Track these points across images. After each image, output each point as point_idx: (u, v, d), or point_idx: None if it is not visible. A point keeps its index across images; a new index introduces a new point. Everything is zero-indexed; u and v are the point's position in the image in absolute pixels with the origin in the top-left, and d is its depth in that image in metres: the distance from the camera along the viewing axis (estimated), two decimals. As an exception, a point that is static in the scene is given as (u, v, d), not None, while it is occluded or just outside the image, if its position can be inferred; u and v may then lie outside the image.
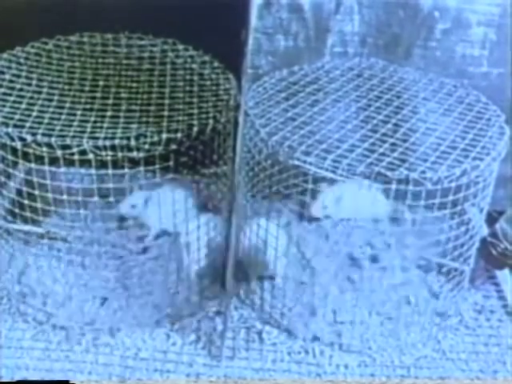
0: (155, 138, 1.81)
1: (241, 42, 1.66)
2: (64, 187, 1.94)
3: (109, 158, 1.80)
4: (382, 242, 2.39)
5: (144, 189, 2.19)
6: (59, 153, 1.79)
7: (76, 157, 1.79)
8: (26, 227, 2.09)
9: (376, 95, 2.13)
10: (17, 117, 1.87)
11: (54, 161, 1.83)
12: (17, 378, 1.92)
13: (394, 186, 1.82)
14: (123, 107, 1.95)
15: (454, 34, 2.39)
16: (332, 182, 2.17)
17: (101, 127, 1.85)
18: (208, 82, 2.08)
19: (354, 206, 2.22)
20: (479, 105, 2.12)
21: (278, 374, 1.98)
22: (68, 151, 1.78)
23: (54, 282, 2.15)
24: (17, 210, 1.98)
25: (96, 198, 1.95)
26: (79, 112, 1.92)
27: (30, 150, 1.80)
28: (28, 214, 1.96)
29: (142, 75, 2.10)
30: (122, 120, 1.89)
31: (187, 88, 2.04)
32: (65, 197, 1.93)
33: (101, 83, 2.05)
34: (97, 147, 1.78)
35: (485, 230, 2.26)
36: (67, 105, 1.95)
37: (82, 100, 1.98)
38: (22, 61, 2.12)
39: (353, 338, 2.07)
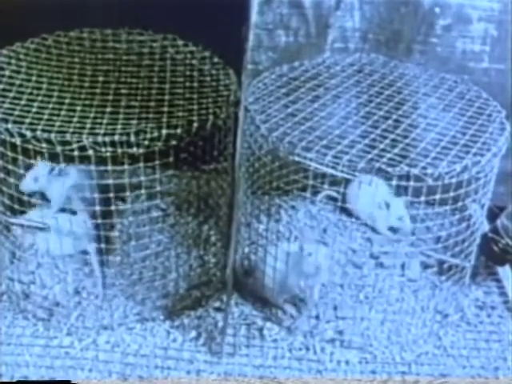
0: (155, 134, 1.81)
1: (241, 37, 1.65)
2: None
3: (108, 154, 1.79)
4: (383, 238, 2.39)
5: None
6: (59, 149, 1.78)
7: (76, 153, 1.78)
8: (25, 221, 2.09)
9: (377, 91, 2.13)
10: (16, 113, 1.87)
11: (53, 157, 1.82)
12: (17, 375, 1.91)
13: (394, 182, 1.82)
14: (123, 103, 1.94)
15: (454, 30, 2.38)
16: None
17: (100, 123, 1.84)
18: (208, 78, 2.08)
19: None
20: (480, 100, 2.12)
21: (279, 370, 1.98)
22: (68, 147, 1.78)
23: (53, 278, 2.15)
24: (16, 206, 1.98)
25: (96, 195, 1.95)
26: (79, 108, 1.91)
27: (30, 146, 1.79)
28: (27, 209, 1.96)
29: (141, 71, 2.10)
30: (121, 116, 1.88)
31: (187, 84, 2.04)
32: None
33: (100, 79, 2.05)
34: (96, 143, 1.78)
35: (486, 226, 2.26)
36: (67, 101, 1.95)
37: (82, 96, 1.98)
38: (21, 57, 2.11)
39: (354, 334, 2.07)
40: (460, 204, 1.95)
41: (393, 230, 2.40)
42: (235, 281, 2.07)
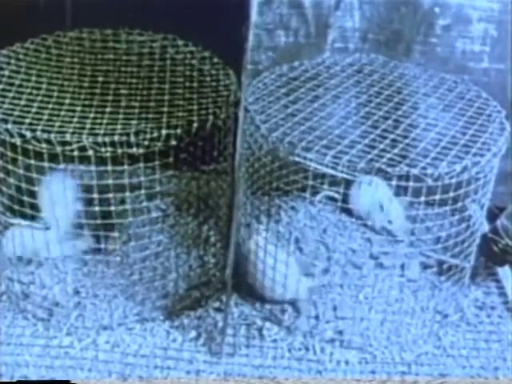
0: (155, 134, 1.81)
1: (241, 37, 1.65)
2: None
3: (108, 154, 1.79)
4: (382, 238, 2.39)
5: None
6: (59, 149, 1.78)
7: (75, 153, 1.78)
8: (25, 223, 2.08)
9: (376, 91, 2.13)
10: (16, 113, 1.86)
11: (53, 157, 1.82)
12: (16, 375, 1.91)
13: (394, 183, 1.82)
14: (123, 103, 1.94)
15: (454, 30, 2.38)
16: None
17: (100, 123, 1.84)
18: (208, 78, 2.08)
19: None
20: (480, 101, 2.12)
21: (279, 370, 1.98)
22: (67, 147, 1.78)
23: (53, 279, 2.15)
24: (16, 207, 1.98)
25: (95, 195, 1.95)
26: (79, 108, 1.91)
27: (30, 147, 1.79)
28: (27, 210, 1.96)
29: (141, 71, 2.10)
30: (121, 116, 1.88)
31: (187, 84, 2.04)
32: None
33: (100, 79, 2.05)
34: (96, 143, 1.78)
35: (485, 227, 2.26)
36: (67, 101, 1.95)
37: (82, 96, 1.98)
38: (21, 57, 2.11)
39: (353, 334, 2.06)
40: (460, 204, 1.95)
41: (387, 230, 2.40)
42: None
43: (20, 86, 1.99)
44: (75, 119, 1.86)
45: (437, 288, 2.23)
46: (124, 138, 1.79)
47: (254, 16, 1.64)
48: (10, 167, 1.90)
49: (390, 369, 2.01)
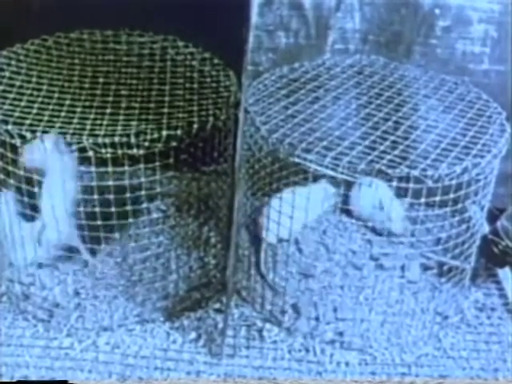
0: (155, 135, 1.81)
1: (241, 39, 1.65)
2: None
3: (109, 155, 1.80)
4: (382, 239, 2.39)
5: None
6: (59, 150, 1.79)
7: (76, 154, 1.78)
8: (26, 224, 2.08)
9: (377, 92, 2.13)
10: (16, 114, 1.87)
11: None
12: (17, 375, 1.91)
13: (394, 184, 1.82)
14: (123, 104, 1.94)
15: (454, 32, 2.38)
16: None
17: (101, 124, 1.84)
18: (208, 79, 2.08)
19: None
20: (480, 102, 2.12)
21: (279, 372, 1.98)
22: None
23: (53, 280, 2.15)
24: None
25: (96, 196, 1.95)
26: (79, 109, 1.91)
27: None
28: (28, 211, 1.96)
29: (141, 72, 2.10)
30: (121, 117, 1.88)
31: (187, 85, 2.04)
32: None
33: (101, 80, 2.05)
34: (97, 144, 1.78)
35: (486, 228, 2.26)
36: (67, 102, 1.95)
37: (82, 97, 1.98)
38: (21, 58, 2.11)
39: (354, 336, 2.06)
40: (460, 206, 1.95)
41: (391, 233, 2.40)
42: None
43: (20, 86, 1.99)
44: (75, 120, 1.86)
45: (437, 289, 2.23)
46: (124, 139, 1.79)
47: (254, 17, 1.64)
48: (11, 168, 1.90)
49: (390, 370, 2.01)
